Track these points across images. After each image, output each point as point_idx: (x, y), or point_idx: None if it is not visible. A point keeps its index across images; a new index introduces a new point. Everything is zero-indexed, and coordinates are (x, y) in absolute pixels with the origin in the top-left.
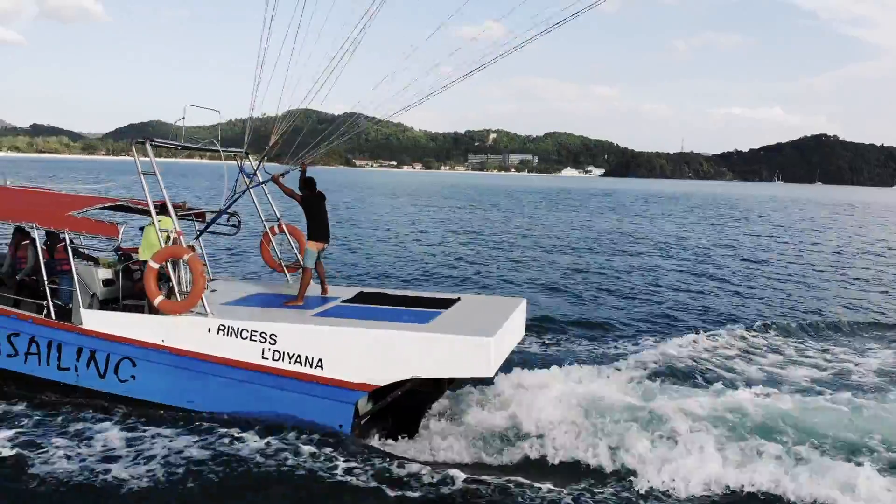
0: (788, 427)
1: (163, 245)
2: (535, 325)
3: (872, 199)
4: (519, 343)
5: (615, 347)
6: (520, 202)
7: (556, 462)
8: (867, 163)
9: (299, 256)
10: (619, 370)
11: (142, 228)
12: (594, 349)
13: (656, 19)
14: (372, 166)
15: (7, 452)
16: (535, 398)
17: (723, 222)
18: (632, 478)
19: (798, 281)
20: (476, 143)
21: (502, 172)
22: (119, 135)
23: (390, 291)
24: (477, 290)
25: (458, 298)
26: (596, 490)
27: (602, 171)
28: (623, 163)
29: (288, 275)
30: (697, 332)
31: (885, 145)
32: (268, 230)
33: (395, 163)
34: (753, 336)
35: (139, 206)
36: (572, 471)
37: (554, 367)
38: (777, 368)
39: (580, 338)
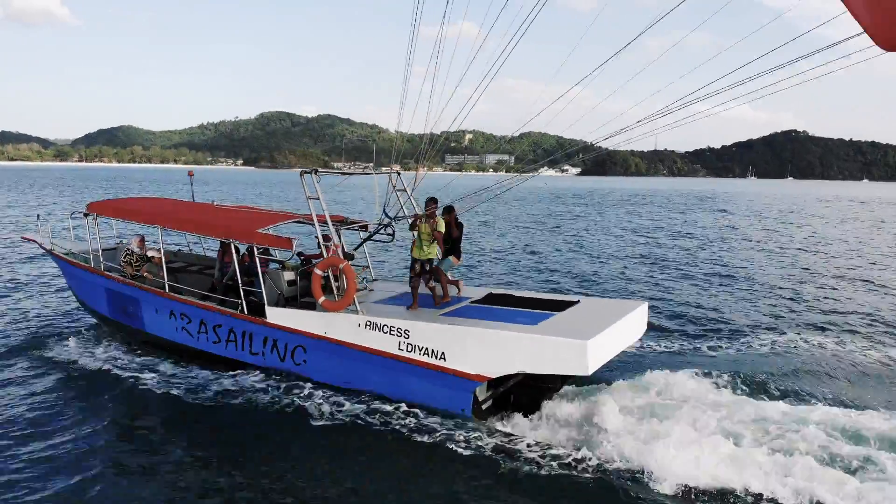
0: None
1: (425, 247)
2: (668, 327)
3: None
4: (641, 343)
5: (740, 350)
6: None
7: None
8: (837, 157)
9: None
10: (720, 375)
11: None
12: (715, 353)
13: (631, 19)
14: (350, 168)
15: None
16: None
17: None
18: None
19: None
20: (452, 144)
21: (481, 173)
22: (89, 140)
23: (516, 293)
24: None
25: (578, 301)
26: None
27: (578, 170)
28: (598, 162)
29: None
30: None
31: (853, 140)
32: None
33: (371, 164)
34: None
35: (312, 222)
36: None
37: (680, 371)
38: None
39: (705, 340)
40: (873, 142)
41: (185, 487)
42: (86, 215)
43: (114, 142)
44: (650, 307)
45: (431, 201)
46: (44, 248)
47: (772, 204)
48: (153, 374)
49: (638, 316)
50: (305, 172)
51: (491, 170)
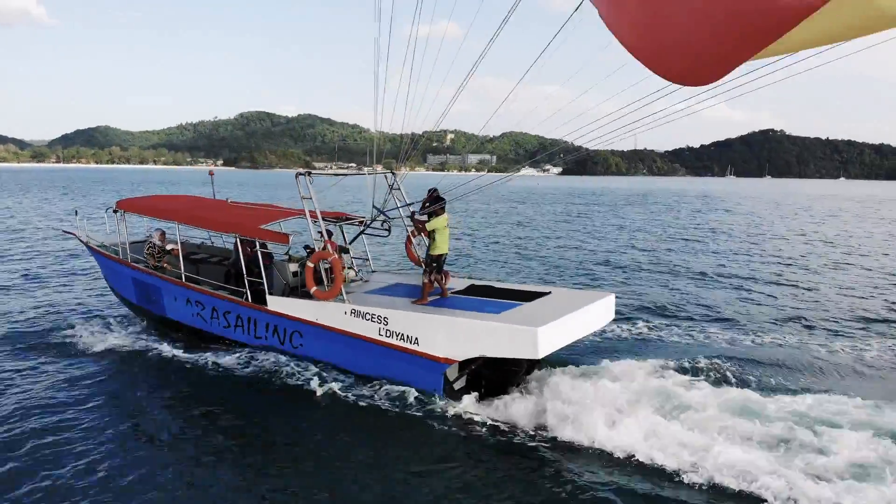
0: None
1: (434, 239)
2: (641, 316)
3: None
4: (612, 332)
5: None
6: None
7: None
8: (813, 156)
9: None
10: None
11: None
12: (681, 343)
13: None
14: (331, 168)
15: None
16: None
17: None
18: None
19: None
20: (434, 144)
21: (464, 173)
22: (66, 141)
23: (496, 284)
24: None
25: (549, 292)
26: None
27: (559, 169)
28: (579, 161)
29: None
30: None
31: (829, 139)
32: (410, 233)
33: (354, 164)
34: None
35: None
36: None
37: (644, 359)
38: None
39: (672, 329)
40: (849, 140)
41: (193, 458)
42: (115, 211)
43: (91, 142)
44: (683, 301)
45: (433, 198)
46: (81, 241)
47: (779, 204)
48: (172, 355)
49: (602, 306)
50: (300, 174)
51: (473, 169)
